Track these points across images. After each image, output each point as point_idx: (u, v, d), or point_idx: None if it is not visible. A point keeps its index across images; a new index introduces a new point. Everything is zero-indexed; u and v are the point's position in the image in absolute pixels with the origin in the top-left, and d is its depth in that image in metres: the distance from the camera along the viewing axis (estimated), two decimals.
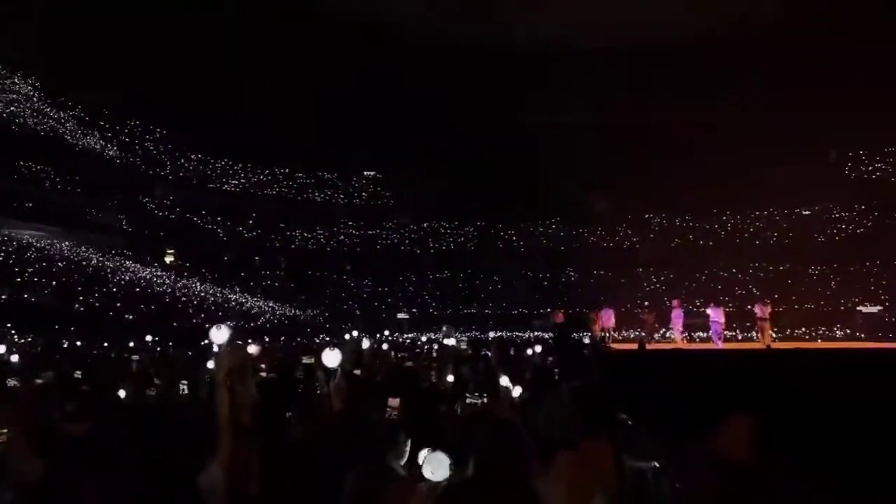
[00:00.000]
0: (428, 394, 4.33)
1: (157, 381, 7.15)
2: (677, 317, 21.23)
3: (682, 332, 21.48)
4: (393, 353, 12.57)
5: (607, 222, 38.69)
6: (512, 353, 14.13)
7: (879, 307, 28.02)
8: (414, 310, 33.48)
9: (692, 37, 33.65)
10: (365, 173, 41.31)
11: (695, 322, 25.15)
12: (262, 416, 2.65)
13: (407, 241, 39.63)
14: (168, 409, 4.36)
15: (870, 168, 34.68)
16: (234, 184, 38.98)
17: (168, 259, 35.24)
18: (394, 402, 4.38)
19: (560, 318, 23.80)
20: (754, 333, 24.55)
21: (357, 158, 39.47)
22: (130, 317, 26.23)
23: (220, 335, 2.80)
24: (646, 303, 30.88)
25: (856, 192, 34.33)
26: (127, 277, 29.51)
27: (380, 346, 15.27)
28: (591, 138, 34.32)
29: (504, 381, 5.10)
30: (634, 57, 34.10)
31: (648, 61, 33.81)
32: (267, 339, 22.28)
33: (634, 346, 18.60)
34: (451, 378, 6.65)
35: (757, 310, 21.34)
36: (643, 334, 24.15)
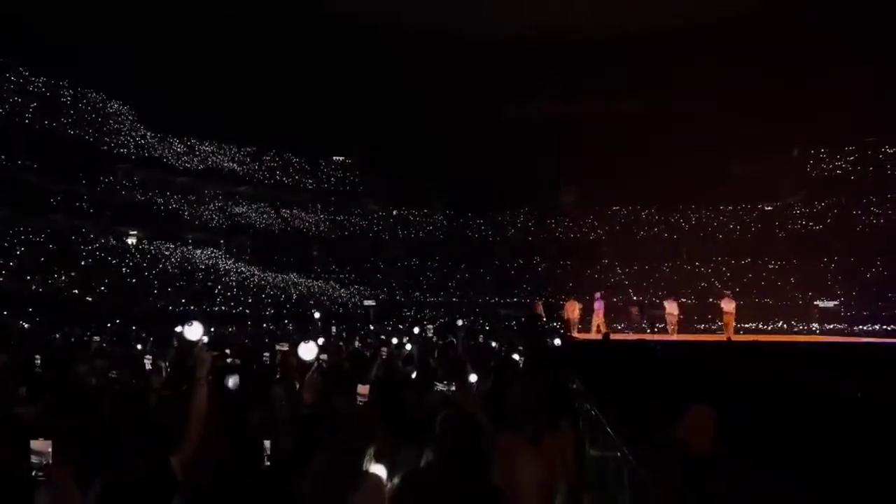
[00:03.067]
0: (397, 381, 4.31)
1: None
2: (598, 308, 21.70)
3: (601, 322, 21.94)
4: (359, 343, 12.49)
5: (575, 214, 39.04)
6: (481, 340, 14.19)
7: (835, 302, 28.88)
8: (381, 296, 33.37)
9: (660, 32, 33.96)
10: (334, 158, 40.98)
11: (654, 313, 25.66)
12: (221, 404, 2.61)
13: (375, 228, 39.47)
14: (123, 394, 4.25)
15: (830, 166, 35.54)
16: (198, 163, 38.29)
17: (131, 240, 34.48)
18: (363, 389, 4.34)
19: (539, 308, 23.75)
20: (715, 326, 25.13)
21: (327, 143, 39.15)
22: (90, 298, 25.64)
23: (193, 332, 2.73)
24: (634, 296, 31.11)
25: (816, 189, 35.20)
26: (89, 258, 28.82)
27: (349, 334, 15.20)
28: (561, 131, 34.61)
29: (469, 370, 5.10)
30: (606, 51, 34.31)
31: (619, 56, 34.04)
32: (230, 325, 21.97)
33: (598, 336, 18.85)
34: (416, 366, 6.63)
35: (723, 304, 21.86)
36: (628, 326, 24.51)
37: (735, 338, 20.34)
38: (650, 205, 37.72)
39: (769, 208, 36.30)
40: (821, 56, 31.18)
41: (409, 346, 9.82)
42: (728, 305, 21.53)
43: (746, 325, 26.73)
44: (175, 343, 8.81)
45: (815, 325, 27.59)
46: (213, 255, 35.53)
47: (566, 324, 22.52)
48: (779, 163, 35.53)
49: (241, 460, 2.38)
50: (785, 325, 28.34)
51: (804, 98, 31.16)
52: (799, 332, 27.25)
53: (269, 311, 29.29)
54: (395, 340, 9.65)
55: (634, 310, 25.68)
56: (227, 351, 7.97)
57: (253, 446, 2.44)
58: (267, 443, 2.81)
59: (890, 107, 28.60)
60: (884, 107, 28.88)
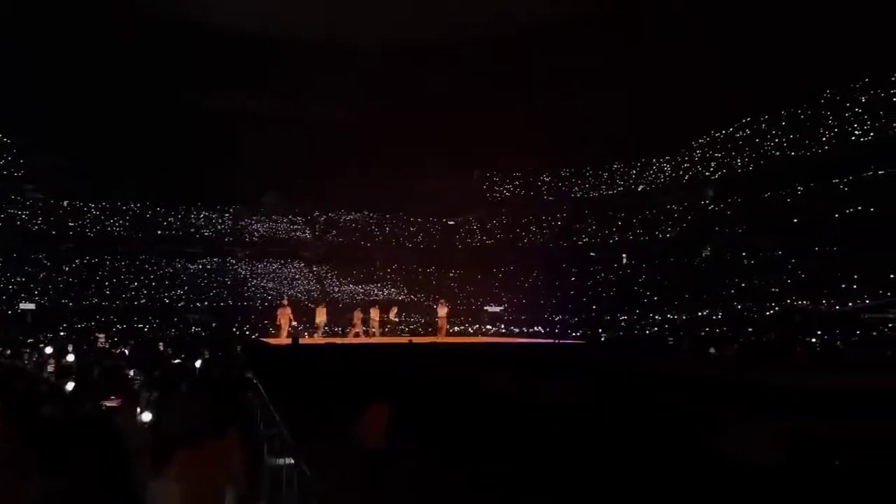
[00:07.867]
0: (32, 395, 3.77)
1: None
2: (283, 314, 22.34)
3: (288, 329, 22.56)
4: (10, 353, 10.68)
5: (276, 215, 38.54)
6: (161, 348, 13.17)
7: (501, 307, 33.15)
8: (44, 300, 28.87)
9: (391, 48, 35.45)
10: None
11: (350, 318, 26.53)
12: None
13: (40, 220, 33.99)
14: None
15: (501, 189, 40.76)
16: None
17: None
18: None
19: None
20: (396, 329, 26.94)
21: None
22: None
23: None
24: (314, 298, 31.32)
25: (489, 208, 40.09)
26: None
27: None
28: (269, 132, 34.16)
29: (134, 380, 4.72)
30: (329, 58, 34.67)
31: (341, 63, 34.57)
32: None
33: (289, 341, 18.97)
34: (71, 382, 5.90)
35: (439, 309, 24.18)
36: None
37: (415, 339, 22.15)
38: (350, 210, 38.99)
39: (451, 223, 40.30)
40: (501, 92, 35.66)
41: (71, 357, 8.77)
42: (442, 311, 24.12)
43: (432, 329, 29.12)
44: None
45: (485, 327, 31.25)
46: None
47: (279, 329, 22.37)
48: (461, 183, 39.65)
49: None
50: (462, 328, 31.58)
51: (485, 127, 35.32)
52: (473, 334, 30.55)
53: None
54: (49, 350, 8.48)
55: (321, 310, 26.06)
56: None
57: None
58: None
59: (549, 140, 33.83)
60: (544, 139, 34.01)
